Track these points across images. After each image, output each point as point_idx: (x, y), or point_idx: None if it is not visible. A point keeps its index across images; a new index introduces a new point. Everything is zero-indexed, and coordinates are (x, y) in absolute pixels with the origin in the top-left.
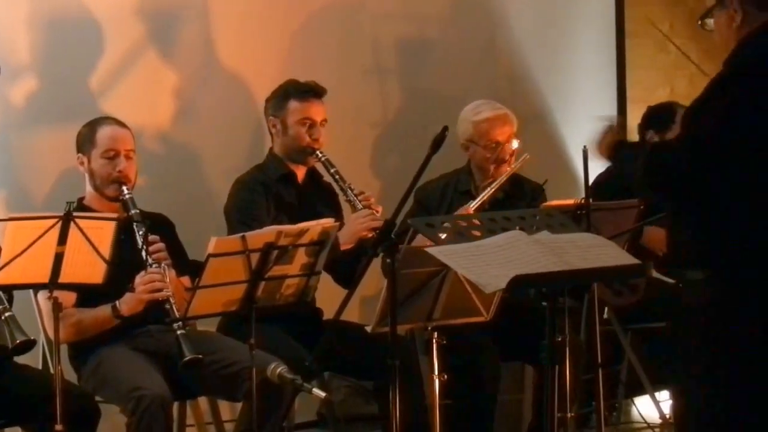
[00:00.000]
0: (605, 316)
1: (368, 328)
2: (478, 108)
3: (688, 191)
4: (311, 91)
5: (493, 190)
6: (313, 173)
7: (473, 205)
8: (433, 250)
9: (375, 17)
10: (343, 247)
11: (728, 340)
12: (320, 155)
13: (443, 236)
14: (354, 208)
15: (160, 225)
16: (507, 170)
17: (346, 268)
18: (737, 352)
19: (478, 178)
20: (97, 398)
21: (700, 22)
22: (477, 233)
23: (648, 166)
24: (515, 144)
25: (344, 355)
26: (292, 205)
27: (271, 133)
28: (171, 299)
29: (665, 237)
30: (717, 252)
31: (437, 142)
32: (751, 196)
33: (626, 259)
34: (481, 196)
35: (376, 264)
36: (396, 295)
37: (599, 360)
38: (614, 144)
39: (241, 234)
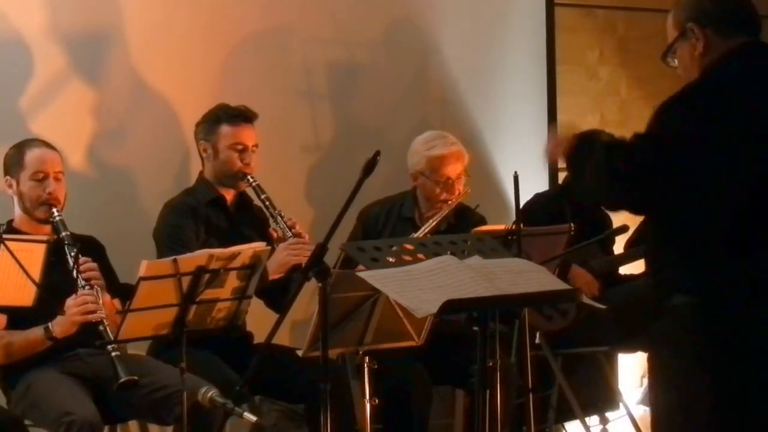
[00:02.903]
0: (536, 341)
1: (300, 352)
2: (432, 142)
3: (652, 187)
4: (242, 116)
5: (435, 222)
6: (243, 197)
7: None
8: (365, 275)
9: (306, 42)
10: (271, 277)
11: (712, 363)
12: (251, 180)
13: (375, 261)
14: (283, 237)
15: (90, 247)
16: (449, 204)
17: (278, 293)
18: (722, 373)
19: (423, 207)
20: (27, 422)
21: (663, 58)
22: (408, 258)
23: (610, 163)
24: (463, 179)
25: (275, 378)
26: (222, 229)
27: (201, 157)
28: (104, 321)
29: (590, 281)
30: (701, 277)
31: (369, 167)
32: (725, 218)
33: (556, 284)
34: (423, 228)
35: (307, 288)
36: (327, 319)
37: (530, 385)
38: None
39: (173, 257)
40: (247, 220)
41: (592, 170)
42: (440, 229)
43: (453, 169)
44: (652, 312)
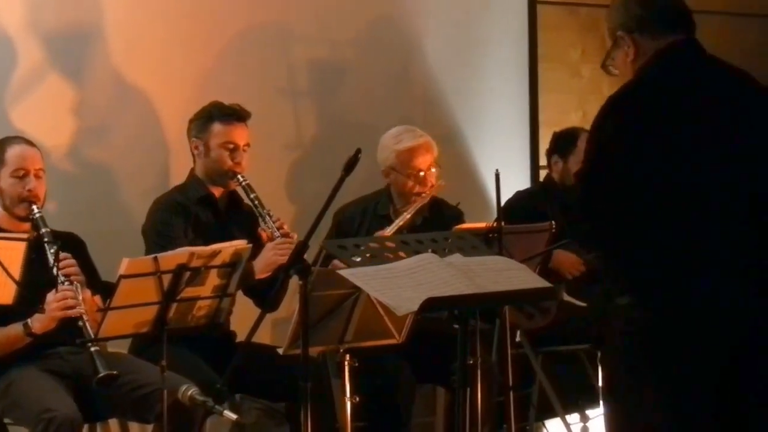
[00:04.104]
0: (517, 339)
1: (280, 350)
2: (399, 136)
3: (591, 220)
4: (235, 115)
5: (409, 215)
6: (233, 195)
7: (389, 230)
8: (346, 273)
9: (289, 40)
10: (258, 276)
11: (653, 362)
12: (241, 179)
13: (356, 259)
14: (271, 236)
15: (71, 244)
16: (423, 197)
17: (267, 292)
18: (662, 372)
19: (398, 203)
20: (6, 420)
21: (603, 68)
22: (390, 256)
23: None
24: (435, 171)
25: (256, 377)
26: (211, 227)
27: (193, 155)
28: (84, 317)
29: (574, 260)
30: (637, 278)
31: (350, 165)
32: (656, 219)
33: (538, 282)
34: (396, 221)
35: (288, 286)
36: (308, 317)
37: (510, 383)
38: None
39: (153, 255)
40: (237, 218)
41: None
42: (416, 223)
43: (423, 161)
44: (600, 313)
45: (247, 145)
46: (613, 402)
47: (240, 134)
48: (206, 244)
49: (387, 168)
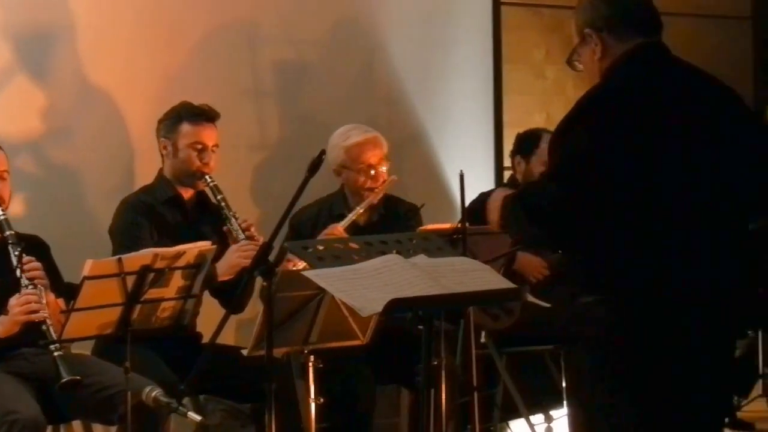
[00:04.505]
0: (482, 340)
1: (245, 352)
2: (347, 133)
3: (565, 223)
4: (204, 115)
5: (362, 210)
6: (201, 196)
7: (342, 224)
8: (310, 274)
9: (253, 40)
10: (221, 278)
11: (619, 361)
12: (209, 180)
13: (320, 260)
14: (236, 239)
15: (34, 247)
16: (376, 192)
17: (233, 293)
18: (628, 371)
19: (352, 202)
20: None
21: (568, 63)
22: (354, 257)
23: (523, 211)
24: (385, 167)
25: (220, 378)
26: (177, 228)
27: (161, 155)
28: (48, 321)
29: (537, 264)
30: (604, 277)
31: (314, 166)
32: (627, 220)
33: (502, 283)
34: (349, 216)
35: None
36: (272, 318)
37: (475, 383)
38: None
39: (117, 256)
40: (206, 219)
41: (515, 220)
42: (372, 220)
43: (373, 155)
44: (564, 312)
45: (216, 145)
46: (578, 402)
47: (208, 135)
48: (175, 245)
49: (338, 166)
